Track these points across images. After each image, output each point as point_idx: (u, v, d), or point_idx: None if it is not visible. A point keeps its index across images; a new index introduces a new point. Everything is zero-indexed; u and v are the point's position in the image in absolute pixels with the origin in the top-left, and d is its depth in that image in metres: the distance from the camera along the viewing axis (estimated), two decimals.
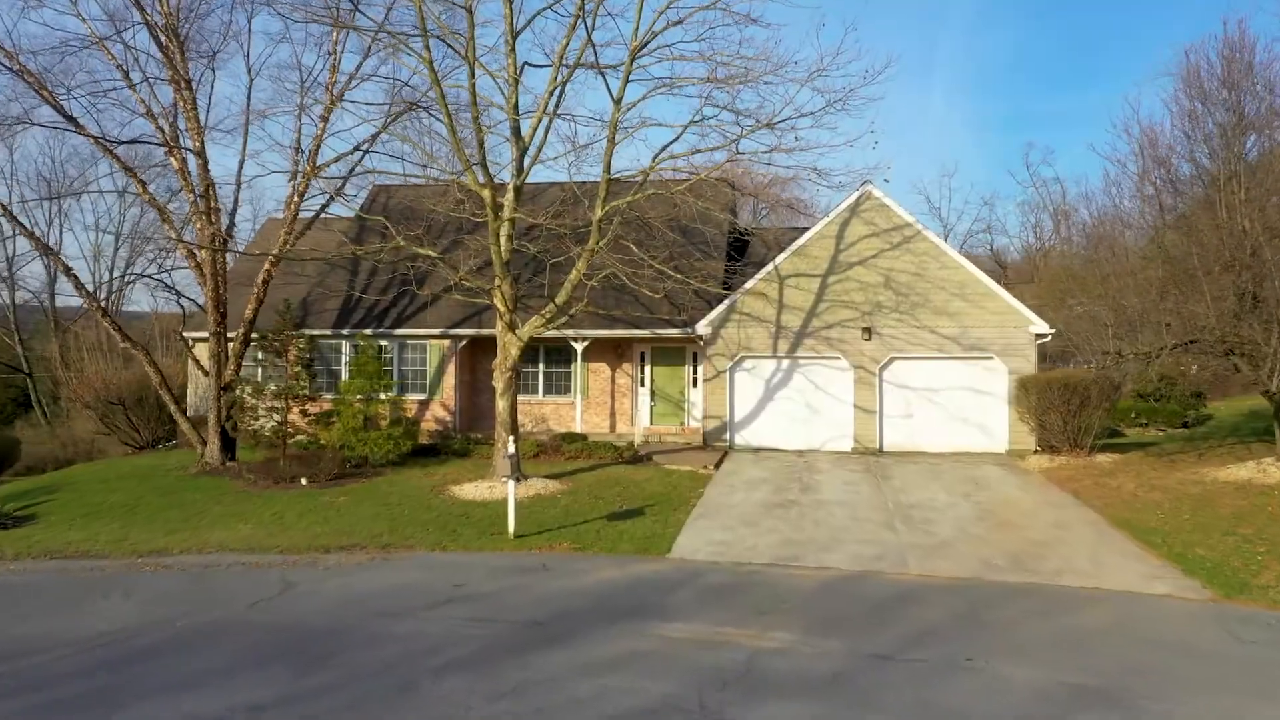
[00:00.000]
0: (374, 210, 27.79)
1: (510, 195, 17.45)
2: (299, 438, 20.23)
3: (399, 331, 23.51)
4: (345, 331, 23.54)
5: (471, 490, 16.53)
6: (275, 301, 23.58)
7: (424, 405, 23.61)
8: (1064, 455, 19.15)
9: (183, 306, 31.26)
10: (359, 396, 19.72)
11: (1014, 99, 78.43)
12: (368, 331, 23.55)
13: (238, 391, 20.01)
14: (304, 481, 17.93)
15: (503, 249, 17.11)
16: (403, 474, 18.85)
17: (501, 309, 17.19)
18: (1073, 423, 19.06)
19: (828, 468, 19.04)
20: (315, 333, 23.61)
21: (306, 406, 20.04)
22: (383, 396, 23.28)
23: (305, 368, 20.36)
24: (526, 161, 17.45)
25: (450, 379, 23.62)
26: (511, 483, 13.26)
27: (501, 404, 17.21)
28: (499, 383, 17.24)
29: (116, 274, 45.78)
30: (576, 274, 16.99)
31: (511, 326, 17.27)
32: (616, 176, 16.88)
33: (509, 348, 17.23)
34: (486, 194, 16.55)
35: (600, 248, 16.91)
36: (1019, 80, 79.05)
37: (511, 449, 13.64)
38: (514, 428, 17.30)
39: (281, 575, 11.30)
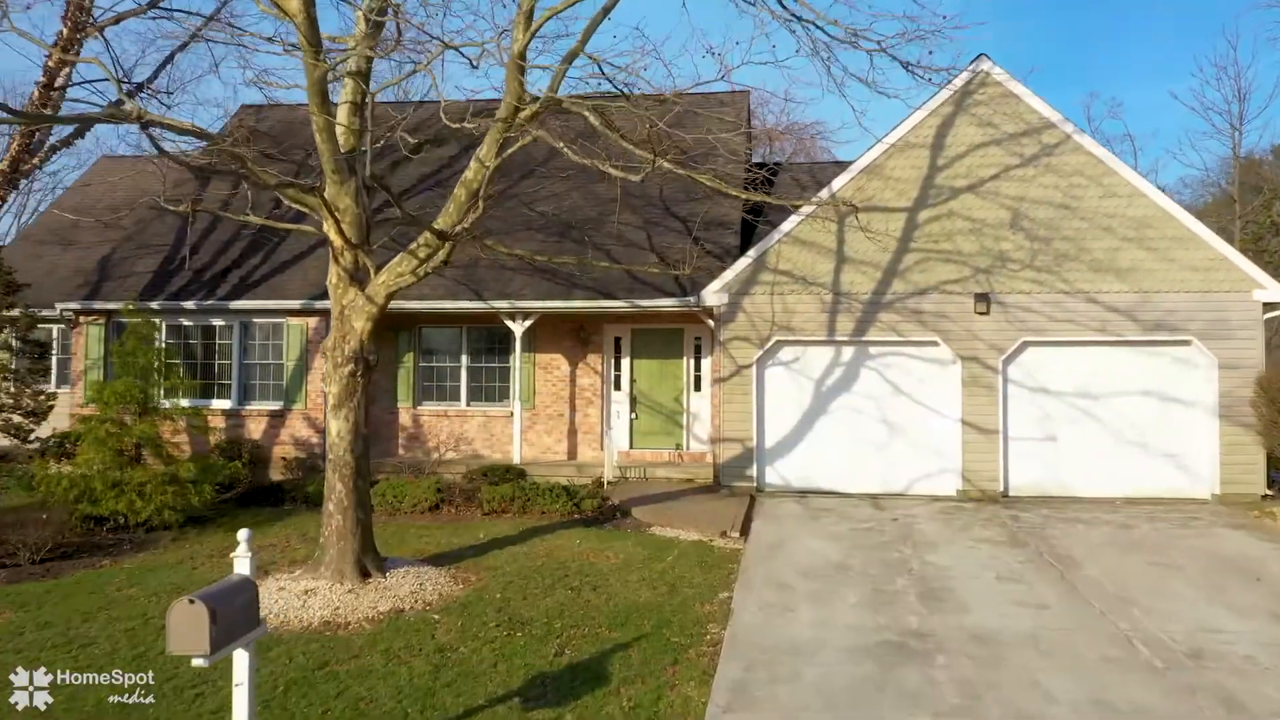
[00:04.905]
0: (238, 134, 19.37)
1: (360, 23, 9.12)
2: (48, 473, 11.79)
3: (239, 304, 15.07)
4: (156, 305, 15.09)
5: (279, 597, 8.20)
6: (32, 265, 15.36)
7: (279, 419, 15.21)
8: None
9: None
10: (119, 408, 11.31)
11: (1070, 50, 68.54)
12: (190, 305, 15.12)
13: None
14: None
15: (340, 120, 8.77)
16: (188, 546, 10.65)
17: (336, 241, 8.81)
18: None
19: (940, 535, 10.79)
20: (109, 306, 15.17)
21: (32, 425, 11.61)
22: (216, 406, 15.07)
23: (36, 360, 11.99)
24: None
25: (319, 378, 15.27)
26: (242, 658, 4.83)
27: (336, 425, 8.84)
28: (332, 384, 8.88)
29: None
30: (475, 173, 8.62)
31: (355, 277, 8.92)
32: None
33: (350, 317, 8.88)
34: (294, 4, 8.09)
35: (525, 121, 8.54)
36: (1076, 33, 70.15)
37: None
38: (361, 472, 8.92)
39: None
